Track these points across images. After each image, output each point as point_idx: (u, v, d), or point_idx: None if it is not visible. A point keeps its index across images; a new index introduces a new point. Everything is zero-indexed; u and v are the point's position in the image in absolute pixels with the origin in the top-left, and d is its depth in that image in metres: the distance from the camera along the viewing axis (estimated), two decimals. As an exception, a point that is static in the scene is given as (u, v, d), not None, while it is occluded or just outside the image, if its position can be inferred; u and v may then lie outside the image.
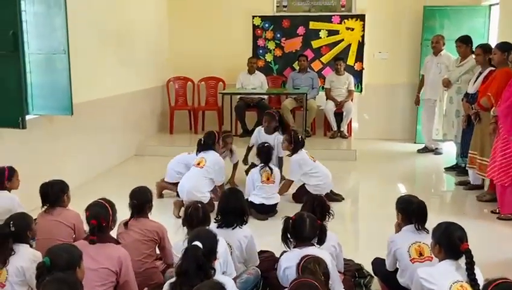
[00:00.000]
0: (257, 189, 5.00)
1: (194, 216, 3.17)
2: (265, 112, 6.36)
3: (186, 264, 2.49)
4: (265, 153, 5.15)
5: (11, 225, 2.96)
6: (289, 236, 3.01)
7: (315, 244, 3.00)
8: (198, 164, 5.10)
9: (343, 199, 5.58)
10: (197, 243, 2.58)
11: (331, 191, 5.52)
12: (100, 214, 3.00)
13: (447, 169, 6.76)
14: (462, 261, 2.63)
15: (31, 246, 3.11)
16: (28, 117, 4.86)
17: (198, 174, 5.03)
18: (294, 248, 2.97)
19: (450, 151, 7.27)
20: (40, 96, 5.14)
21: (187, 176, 5.11)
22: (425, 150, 7.80)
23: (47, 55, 5.04)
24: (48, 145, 5.39)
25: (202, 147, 5.24)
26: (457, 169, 6.52)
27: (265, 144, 5.26)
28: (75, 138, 5.89)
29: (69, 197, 3.75)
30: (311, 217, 3.02)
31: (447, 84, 6.51)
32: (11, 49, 4.39)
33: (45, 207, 3.67)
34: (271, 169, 5.06)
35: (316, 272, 2.49)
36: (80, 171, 6.07)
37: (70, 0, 4.97)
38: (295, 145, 5.37)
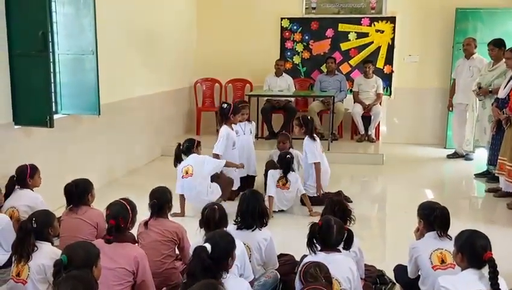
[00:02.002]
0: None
1: (210, 218, 3.16)
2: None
3: (193, 265, 2.48)
4: (285, 162, 5.13)
5: (33, 221, 3.00)
6: (315, 242, 2.94)
7: (341, 250, 2.95)
8: (186, 172, 4.99)
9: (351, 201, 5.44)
10: (206, 244, 2.55)
11: (340, 191, 5.54)
12: (120, 214, 3.02)
13: (478, 175, 6.59)
14: (486, 270, 2.54)
15: (52, 243, 3.15)
16: (56, 116, 4.96)
17: (193, 185, 4.96)
18: (320, 251, 2.91)
19: (480, 157, 7.09)
20: (68, 96, 5.23)
21: (184, 192, 5.04)
22: (455, 155, 7.62)
23: (76, 55, 5.13)
24: (75, 144, 5.47)
25: (182, 153, 5.10)
26: (488, 175, 6.34)
27: (288, 154, 5.19)
28: (102, 137, 5.96)
29: (93, 195, 3.80)
30: (338, 222, 2.96)
31: (484, 93, 6.28)
32: (40, 49, 4.47)
33: (70, 206, 3.72)
34: (287, 180, 5.09)
35: (318, 277, 2.45)
36: (106, 170, 6.16)
37: (99, 1, 5.04)
38: (306, 127, 5.35)
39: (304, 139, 5.42)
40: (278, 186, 5.10)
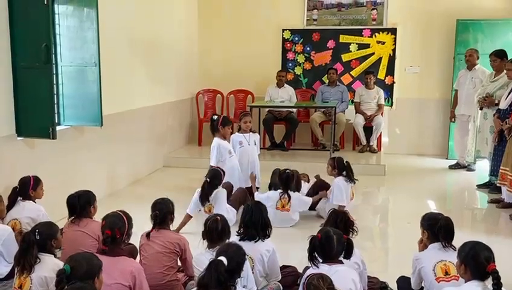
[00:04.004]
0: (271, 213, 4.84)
1: (213, 229, 3.16)
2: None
3: (208, 277, 2.49)
4: (284, 178, 5.01)
5: (36, 233, 3.00)
6: (316, 255, 2.92)
7: (343, 261, 2.94)
8: (210, 210, 4.89)
9: None
10: (223, 258, 2.57)
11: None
12: (116, 226, 3.00)
13: (480, 186, 6.56)
14: (489, 282, 2.53)
15: (55, 256, 3.14)
16: (59, 128, 4.96)
17: None
18: (322, 263, 2.89)
19: (482, 167, 7.08)
20: (71, 107, 5.24)
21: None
22: (458, 166, 7.61)
23: (78, 67, 5.15)
24: (78, 156, 5.48)
25: (209, 188, 4.88)
26: (491, 186, 6.33)
27: (286, 170, 5.07)
28: (104, 148, 5.97)
29: (95, 207, 3.78)
30: (337, 233, 2.95)
31: (490, 103, 6.25)
32: (43, 62, 4.49)
33: (72, 217, 3.71)
34: (289, 197, 4.98)
35: (321, 288, 2.43)
36: (109, 181, 6.17)
37: (102, 13, 5.07)
38: (339, 170, 5.20)
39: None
40: (278, 208, 4.96)
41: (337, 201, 5.04)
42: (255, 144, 5.94)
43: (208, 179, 4.88)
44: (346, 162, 5.29)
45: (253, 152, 5.88)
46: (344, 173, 5.18)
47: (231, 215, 4.90)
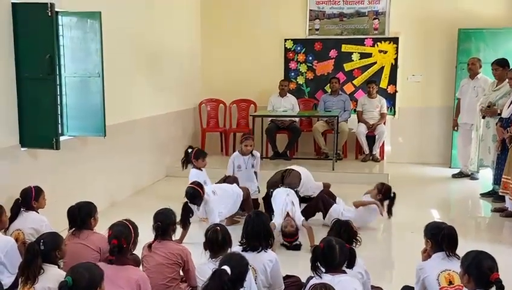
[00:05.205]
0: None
1: (213, 239, 3.16)
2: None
3: (212, 286, 2.50)
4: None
5: (41, 243, 3.00)
6: (319, 265, 2.90)
7: (346, 271, 2.93)
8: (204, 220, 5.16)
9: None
10: (226, 267, 2.58)
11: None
12: (122, 235, 3.01)
13: (483, 195, 6.56)
14: (493, 291, 2.53)
15: (59, 266, 3.13)
16: (62, 138, 4.99)
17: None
18: (325, 273, 2.88)
19: (486, 176, 7.06)
20: (74, 117, 5.26)
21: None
22: (461, 175, 7.60)
23: (82, 78, 5.17)
24: (81, 166, 5.49)
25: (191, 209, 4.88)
26: (494, 195, 6.31)
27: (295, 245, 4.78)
28: (107, 159, 5.99)
29: (96, 219, 3.75)
30: (339, 242, 2.95)
31: (492, 113, 6.28)
32: (47, 72, 4.52)
33: (72, 229, 3.69)
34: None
35: None
36: (112, 192, 6.18)
37: (105, 24, 5.10)
38: (383, 197, 5.28)
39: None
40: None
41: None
42: (252, 167, 6.00)
43: (187, 201, 4.86)
44: (393, 193, 5.32)
45: (249, 174, 5.96)
46: (386, 202, 5.26)
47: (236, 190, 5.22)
